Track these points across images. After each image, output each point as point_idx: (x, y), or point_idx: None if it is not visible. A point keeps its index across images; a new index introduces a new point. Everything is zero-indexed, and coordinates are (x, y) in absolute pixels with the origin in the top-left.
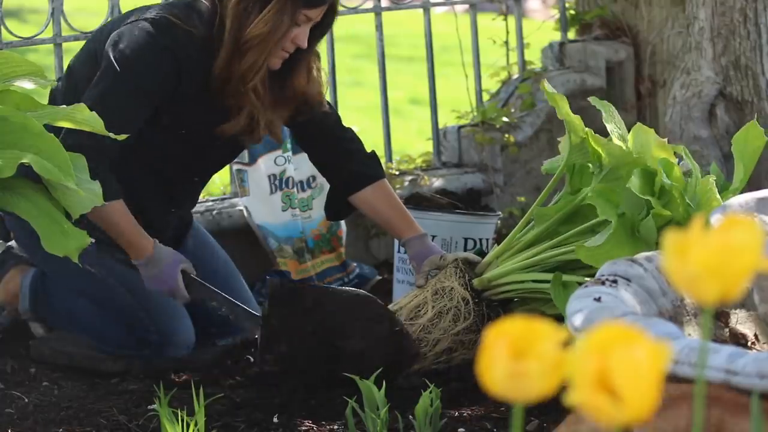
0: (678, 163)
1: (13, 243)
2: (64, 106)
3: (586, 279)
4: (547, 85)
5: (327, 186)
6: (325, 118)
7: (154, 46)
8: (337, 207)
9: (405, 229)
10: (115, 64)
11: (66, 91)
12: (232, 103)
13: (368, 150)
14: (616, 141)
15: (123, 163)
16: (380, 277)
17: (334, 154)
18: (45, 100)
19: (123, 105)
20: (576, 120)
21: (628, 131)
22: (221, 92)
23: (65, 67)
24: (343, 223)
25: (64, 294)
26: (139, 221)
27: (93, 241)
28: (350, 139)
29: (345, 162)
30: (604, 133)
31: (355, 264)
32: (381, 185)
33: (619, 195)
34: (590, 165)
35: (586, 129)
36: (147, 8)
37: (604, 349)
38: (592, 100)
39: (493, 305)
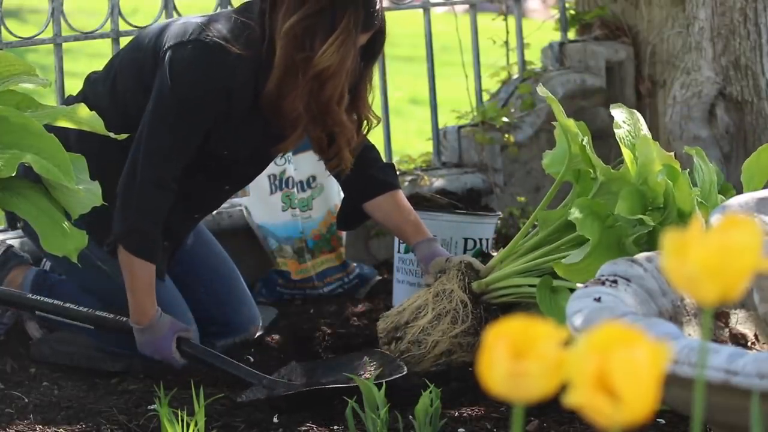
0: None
1: (14, 242)
2: (64, 106)
3: (578, 285)
4: (541, 89)
5: (327, 186)
6: None
7: (208, 81)
8: (350, 215)
9: (414, 234)
10: (170, 100)
11: (108, 90)
12: (286, 123)
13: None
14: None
15: None
16: (380, 278)
17: (356, 160)
18: (45, 100)
19: (180, 136)
20: (573, 128)
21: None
22: (274, 112)
23: (64, 66)
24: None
25: (68, 292)
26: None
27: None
28: (371, 147)
29: (366, 168)
30: (605, 133)
31: (355, 264)
32: (397, 194)
33: (606, 208)
34: (591, 171)
35: (583, 138)
36: (193, 24)
37: (604, 349)
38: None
39: (492, 309)
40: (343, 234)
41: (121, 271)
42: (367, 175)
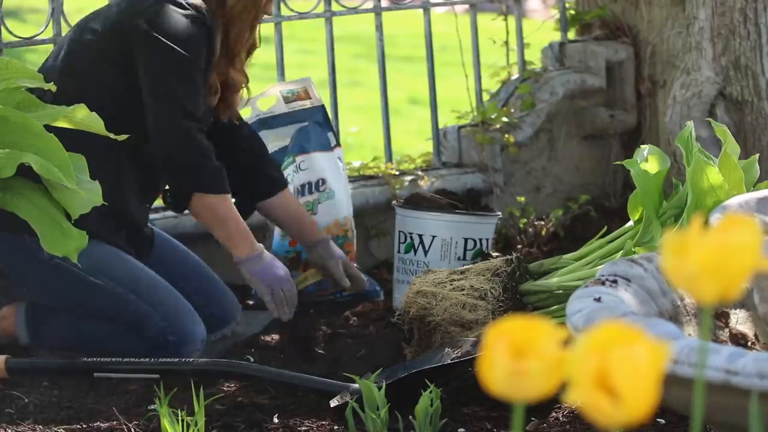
0: None
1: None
2: (64, 105)
3: None
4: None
5: (338, 193)
6: (244, 125)
7: (192, 24)
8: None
9: (310, 233)
10: (169, 49)
11: (63, 73)
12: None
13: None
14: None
15: (111, 159)
16: (381, 300)
17: (250, 160)
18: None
19: (194, 85)
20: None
21: (626, 132)
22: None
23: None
24: (354, 240)
25: (67, 315)
26: (122, 216)
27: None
28: (262, 145)
29: (259, 168)
30: (605, 133)
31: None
32: (287, 191)
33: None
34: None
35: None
36: None
37: (604, 349)
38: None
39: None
40: (354, 247)
41: (209, 222)
42: (262, 174)
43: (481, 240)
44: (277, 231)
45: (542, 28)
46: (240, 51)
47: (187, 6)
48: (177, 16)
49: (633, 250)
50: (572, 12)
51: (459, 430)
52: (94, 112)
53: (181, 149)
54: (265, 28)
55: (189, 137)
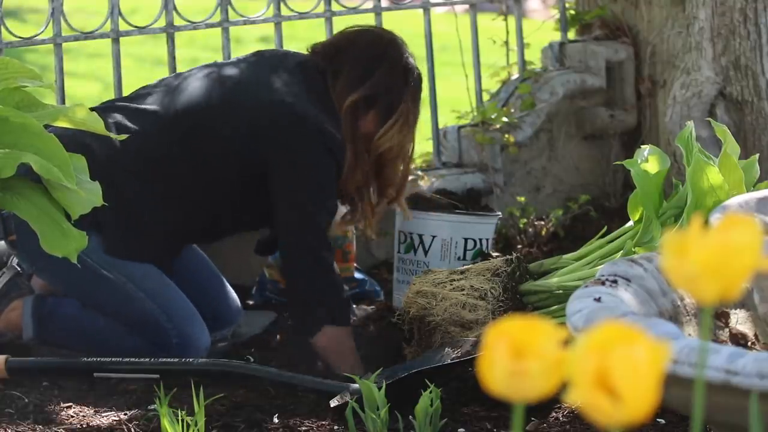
0: None
1: (15, 264)
2: (64, 105)
3: None
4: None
5: None
6: None
7: (330, 167)
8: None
9: None
10: (309, 192)
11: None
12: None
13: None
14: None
15: (186, 202)
16: (381, 300)
17: None
18: (45, 100)
19: (330, 207)
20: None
21: (626, 132)
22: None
23: (64, 66)
24: (354, 241)
25: (72, 312)
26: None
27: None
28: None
29: None
30: (606, 133)
31: (362, 278)
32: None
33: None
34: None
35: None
36: (301, 105)
37: (604, 349)
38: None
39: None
40: (353, 248)
41: (330, 351)
42: None
43: (481, 240)
44: None
45: (542, 28)
46: None
47: None
48: (321, 158)
49: (633, 250)
50: (572, 12)
51: (459, 430)
52: (94, 112)
53: (320, 284)
54: (265, 28)
55: (327, 270)
